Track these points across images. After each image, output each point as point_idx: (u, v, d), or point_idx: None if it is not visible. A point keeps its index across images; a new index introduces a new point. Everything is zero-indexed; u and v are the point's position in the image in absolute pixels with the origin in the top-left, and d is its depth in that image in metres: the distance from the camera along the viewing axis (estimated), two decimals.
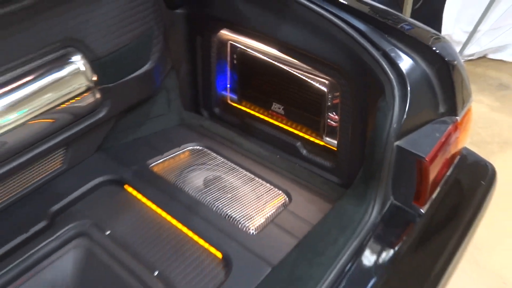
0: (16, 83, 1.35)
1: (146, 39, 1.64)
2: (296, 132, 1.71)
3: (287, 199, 1.57)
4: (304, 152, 1.68)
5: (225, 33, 1.73)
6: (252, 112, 1.83)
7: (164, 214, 1.52)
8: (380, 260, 1.22)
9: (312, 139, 1.67)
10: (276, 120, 1.77)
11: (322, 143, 1.64)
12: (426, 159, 1.21)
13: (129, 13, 1.54)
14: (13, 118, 1.36)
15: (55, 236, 1.45)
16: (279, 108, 1.74)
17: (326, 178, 1.62)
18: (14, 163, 1.40)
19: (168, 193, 1.58)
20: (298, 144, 1.69)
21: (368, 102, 1.36)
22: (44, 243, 1.43)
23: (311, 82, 1.57)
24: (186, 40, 1.84)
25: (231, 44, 1.75)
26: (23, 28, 1.31)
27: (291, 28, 1.46)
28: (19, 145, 1.40)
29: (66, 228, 1.48)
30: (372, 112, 1.31)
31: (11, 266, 1.37)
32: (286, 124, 1.74)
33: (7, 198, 1.52)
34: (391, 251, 1.24)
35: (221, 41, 1.76)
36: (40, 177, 1.61)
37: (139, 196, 1.60)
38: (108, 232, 1.47)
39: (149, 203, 1.57)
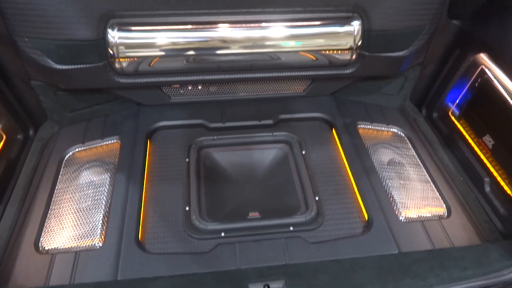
0: (308, 22, 1.53)
1: (415, 32, 1.66)
2: (491, 169, 1.56)
3: (446, 214, 1.51)
4: (488, 189, 1.54)
5: (482, 56, 1.61)
6: (463, 131, 1.72)
7: (346, 163, 1.61)
8: None
9: (502, 183, 1.52)
10: (479, 148, 1.63)
11: (509, 192, 1.45)
12: None
13: (413, 6, 1.54)
14: (290, 45, 1.56)
15: (272, 134, 1.71)
16: (489, 142, 1.58)
17: (491, 220, 1.46)
18: (278, 74, 1.64)
19: (358, 150, 1.66)
20: (487, 179, 1.56)
21: None
22: (264, 134, 1.70)
23: None
24: (445, 47, 1.76)
25: (482, 68, 1.61)
26: None
27: None
28: (287, 64, 1.62)
29: (281, 133, 1.73)
30: None
31: (242, 136, 1.67)
32: (486, 157, 1.58)
33: (264, 93, 1.80)
34: None
35: (475, 62, 1.66)
36: (287, 91, 1.86)
37: (338, 141, 1.71)
38: (303, 152, 1.64)
39: (341, 148, 1.66)
